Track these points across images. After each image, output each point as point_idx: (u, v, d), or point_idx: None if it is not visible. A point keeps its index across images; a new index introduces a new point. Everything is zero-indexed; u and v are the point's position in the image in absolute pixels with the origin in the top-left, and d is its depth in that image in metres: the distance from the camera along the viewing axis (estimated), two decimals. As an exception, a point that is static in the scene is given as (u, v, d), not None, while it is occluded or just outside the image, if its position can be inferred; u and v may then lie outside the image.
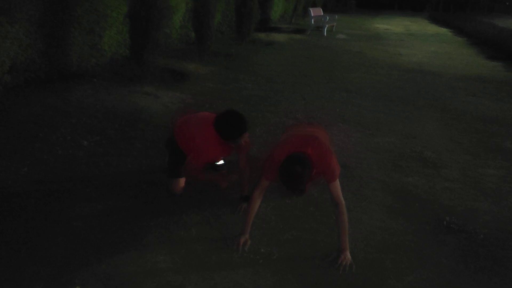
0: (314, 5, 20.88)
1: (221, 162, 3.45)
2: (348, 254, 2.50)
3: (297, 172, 2.35)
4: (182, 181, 3.17)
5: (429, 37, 16.26)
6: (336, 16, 16.83)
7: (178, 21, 8.66)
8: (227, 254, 2.54)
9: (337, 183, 2.58)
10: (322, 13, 16.76)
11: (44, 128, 4.16)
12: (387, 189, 3.48)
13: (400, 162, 4.05)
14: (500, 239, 2.87)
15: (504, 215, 3.20)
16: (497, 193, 3.55)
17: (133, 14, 6.02)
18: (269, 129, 4.65)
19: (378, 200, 3.29)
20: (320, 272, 2.43)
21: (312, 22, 15.01)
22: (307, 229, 2.85)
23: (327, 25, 14.85)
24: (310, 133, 2.78)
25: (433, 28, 20.97)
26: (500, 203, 3.38)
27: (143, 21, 5.98)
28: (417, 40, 15.01)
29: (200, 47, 8.03)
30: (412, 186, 3.57)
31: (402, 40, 14.71)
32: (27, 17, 5.05)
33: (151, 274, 2.33)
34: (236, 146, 2.94)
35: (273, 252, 2.57)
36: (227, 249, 2.57)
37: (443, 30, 19.95)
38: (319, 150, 2.57)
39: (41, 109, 4.68)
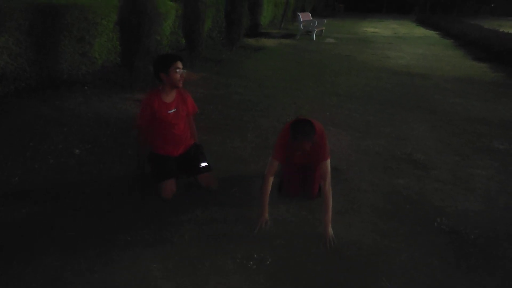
0: (303, 10, 21.03)
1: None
2: (330, 231, 2.79)
3: (305, 122, 2.79)
4: (171, 184, 3.20)
5: (417, 40, 16.45)
6: (325, 21, 16.97)
7: (168, 27, 8.67)
8: (221, 259, 2.55)
9: (328, 162, 2.93)
10: (311, 18, 16.89)
11: (35, 137, 4.15)
12: (378, 192, 3.52)
13: (391, 164, 4.09)
14: (491, 239, 2.91)
15: (494, 214, 3.25)
16: (486, 193, 3.60)
17: (123, 21, 6.03)
18: (260, 134, 4.68)
19: (370, 203, 3.32)
20: (314, 276, 2.46)
21: (301, 27, 15.11)
22: (299, 234, 2.87)
23: (316, 30, 14.95)
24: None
25: (420, 31, 21.22)
26: (490, 203, 3.43)
27: (133, 28, 5.99)
28: (405, 42, 15.18)
29: (191, 53, 8.05)
30: (402, 188, 3.61)
31: (390, 43, 14.86)
32: (16, 25, 5.04)
33: (144, 282, 2.33)
34: (169, 80, 3.11)
35: (266, 257, 2.58)
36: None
37: (430, 33, 20.20)
38: (318, 127, 2.91)
39: (32, 117, 4.66)
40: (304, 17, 16.18)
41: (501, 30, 16.65)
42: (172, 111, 3.24)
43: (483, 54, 12.45)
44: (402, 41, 15.55)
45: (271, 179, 2.96)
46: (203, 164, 3.39)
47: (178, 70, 3.10)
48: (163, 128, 3.25)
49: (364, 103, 6.36)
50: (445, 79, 8.57)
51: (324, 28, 16.26)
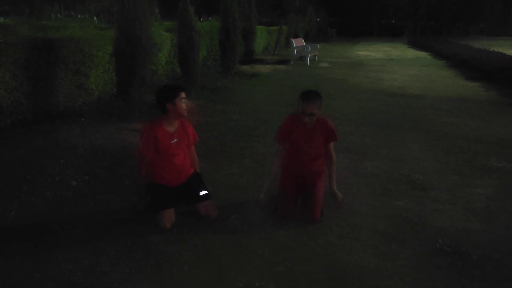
0: (296, 36, 21.39)
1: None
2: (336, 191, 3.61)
3: (312, 91, 3.33)
4: (170, 213, 3.17)
5: (409, 61, 16.70)
6: (318, 46, 17.25)
7: (164, 57, 8.79)
8: (222, 289, 2.50)
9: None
10: (304, 43, 17.17)
11: (31, 170, 4.13)
12: (378, 214, 3.49)
13: (389, 186, 4.08)
14: (494, 259, 2.87)
15: (496, 234, 3.22)
16: (487, 213, 3.58)
17: (118, 52, 6.11)
18: (257, 159, 4.67)
19: (370, 226, 3.29)
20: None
21: (295, 53, 15.34)
22: (300, 259, 2.82)
23: (309, 55, 15.18)
24: None
25: (412, 52, 21.57)
26: (491, 222, 3.41)
27: (129, 59, 6.06)
28: (397, 64, 15.40)
29: (186, 81, 8.13)
30: (402, 209, 3.59)
31: (383, 65, 15.07)
32: (12, 60, 5.09)
33: (144, 315, 2.28)
34: (176, 110, 3.16)
35: (268, 285, 2.54)
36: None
37: (422, 54, 20.53)
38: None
39: (28, 150, 4.66)
40: (298, 43, 16.45)
41: (491, 49, 16.94)
42: (174, 141, 3.25)
43: (475, 73, 12.62)
44: (395, 63, 15.77)
45: (277, 164, 3.49)
46: (202, 193, 3.36)
47: (184, 100, 3.15)
48: (164, 158, 3.24)
49: (359, 125, 6.39)
50: (439, 99, 8.65)
51: (317, 53, 16.52)
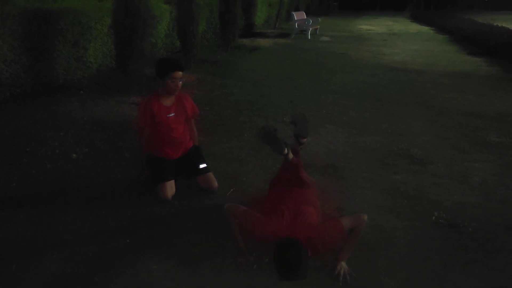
0: (297, 9, 21.04)
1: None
2: (344, 264, 2.47)
3: (294, 259, 2.13)
4: (171, 185, 3.20)
5: (412, 36, 16.49)
6: (319, 19, 16.98)
7: (163, 30, 8.68)
8: (221, 259, 2.55)
9: (343, 224, 2.43)
10: (305, 17, 16.90)
11: (32, 142, 4.15)
12: (375, 188, 3.53)
13: (388, 160, 4.10)
14: (488, 232, 2.92)
15: (492, 207, 3.27)
16: (484, 186, 3.61)
17: (117, 25, 6.03)
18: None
19: (367, 199, 3.33)
20: (313, 273, 2.46)
21: (296, 26, 15.13)
22: (299, 230, 2.87)
23: (310, 28, 14.97)
24: (298, 206, 2.54)
25: (415, 27, 21.26)
26: (488, 196, 3.45)
27: (127, 32, 5.99)
28: (399, 39, 15.21)
29: (185, 55, 8.05)
30: (400, 183, 3.62)
31: (385, 40, 14.89)
32: (9, 32, 5.03)
33: (145, 284, 2.34)
34: (164, 87, 3.13)
35: (265, 256, 2.58)
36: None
37: (425, 29, 20.24)
38: (308, 228, 2.38)
39: (28, 123, 4.66)
40: (299, 16, 16.20)
41: (495, 24, 16.69)
42: (171, 115, 3.24)
43: (478, 48, 12.48)
44: (397, 38, 15.58)
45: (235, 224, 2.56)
46: (202, 166, 3.39)
47: (173, 80, 3.09)
48: (162, 131, 3.25)
49: (360, 100, 6.37)
50: (440, 74, 8.59)
51: (318, 26, 16.28)
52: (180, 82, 3.13)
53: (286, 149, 2.88)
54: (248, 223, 2.46)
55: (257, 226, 2.41)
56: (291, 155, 2.93)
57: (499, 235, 2.89)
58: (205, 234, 2.80)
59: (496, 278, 2.48)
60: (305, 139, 3.31)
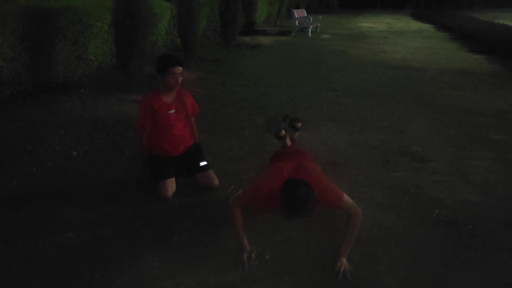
0: (298, 7, 21.01)
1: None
2: (344, 261, 2.44)
3: (302, 193, 2.16)
4: (171, 183, 3.20)
5: (412, 34, 16.45)
6: (320, 17, 16.97)
7: (163, 28, 8.67)
8: (221, 257, 2.55)
9: (345, 200, 2.47)
10: (305, 15, 16.88)
11: (32, 141, 4.15)
12: (376, 185, 3.53)
13: (388, 157, 4.10)
14: (489, 229, 2.92)
15: (492, 205, 3.26)
16: (484, 184, 3.61)
17: (118, 23, 6.02)
18: (257, 132, 4.68)
19: (368, 197, 3.33)
20: (314, 271, 2.46)
21: (297, 24, 15.11)
22: (298, 228, 2.86)
23: (311, 26, 14.95)
24: (299, 163, 2.56)
25: (415, 25, 21.22)
26: (488, 194, 3.45)
27: (128, 30, 5.98)
28: (400, 37, 15.19)
29: (186, 53, 8.04)
30: (400, 180, 3.62)
31: (385, 37, 14.87)
32: (10, 30, 5.03)
33: (145, 281, 2.34)
34: (164, 82, 3.15)
35: (266, 253, 2.59)
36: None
37: (425, 26, 20.20)
38: (313, 177, 2.40)
39: (28, 121, 4.67)
40: (299, 14, 16.18)
41: (496, 21, 16.65)
42: (171, 111, 3.24)
43: (478, 46, 12.45)
44: (397, 36, 15.55)
45: (237, 210, 2.53)
46: (202, 163, 3.39)
47: (173, 75, 3.10)
48: (162, 128, 3.25)
49: (360, 97, 6.37)
50: (441, 72, 8.58)
51: (319, 24, 16.26)
52: (180, 78, 3.15)
53: (283, 131, 3.16)
54: (253, 188, 2.49)
55: (261, 184, 2.45)
56: (289, 141, 3.15)
57: (499, 232, 2.89)
58: (205, 233, 2.80)
59: (497, 276, 2.48)
60: (300, 124, 3.64)
